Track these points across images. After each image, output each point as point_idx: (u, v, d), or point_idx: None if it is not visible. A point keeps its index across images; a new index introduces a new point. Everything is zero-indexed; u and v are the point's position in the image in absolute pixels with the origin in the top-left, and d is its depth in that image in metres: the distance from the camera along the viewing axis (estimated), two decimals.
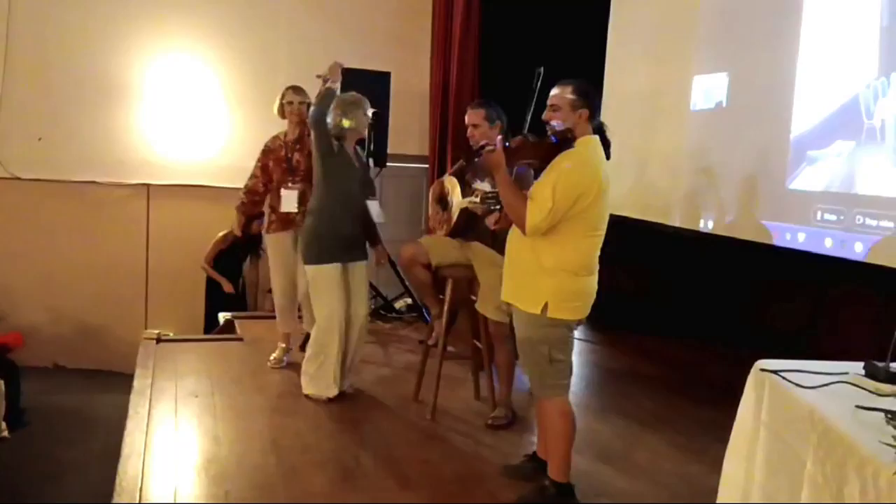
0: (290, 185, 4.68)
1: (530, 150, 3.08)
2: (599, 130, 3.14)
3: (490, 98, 4.19)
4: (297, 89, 4.76)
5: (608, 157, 3.12)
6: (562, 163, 3.01)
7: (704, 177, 4.99)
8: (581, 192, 2.95)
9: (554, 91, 3.10)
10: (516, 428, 4.03)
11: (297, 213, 4.64)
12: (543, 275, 3.03)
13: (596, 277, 3.13)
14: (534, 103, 3.17)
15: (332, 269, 4.16)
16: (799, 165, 4.22)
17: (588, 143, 3.07)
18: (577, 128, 3.05)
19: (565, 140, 3.04)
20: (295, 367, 4.79)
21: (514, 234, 3.16)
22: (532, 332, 3.09)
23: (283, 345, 4.93)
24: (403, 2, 7.23)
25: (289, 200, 4.65)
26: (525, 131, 3.17)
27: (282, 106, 4.73)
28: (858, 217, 3.84)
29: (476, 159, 3.12)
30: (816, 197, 4.10)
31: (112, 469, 3.44)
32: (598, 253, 3.12)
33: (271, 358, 4.86)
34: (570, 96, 3.04)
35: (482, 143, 3.18)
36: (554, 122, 3.06)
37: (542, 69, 3.19)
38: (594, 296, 3.13)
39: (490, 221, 3.54)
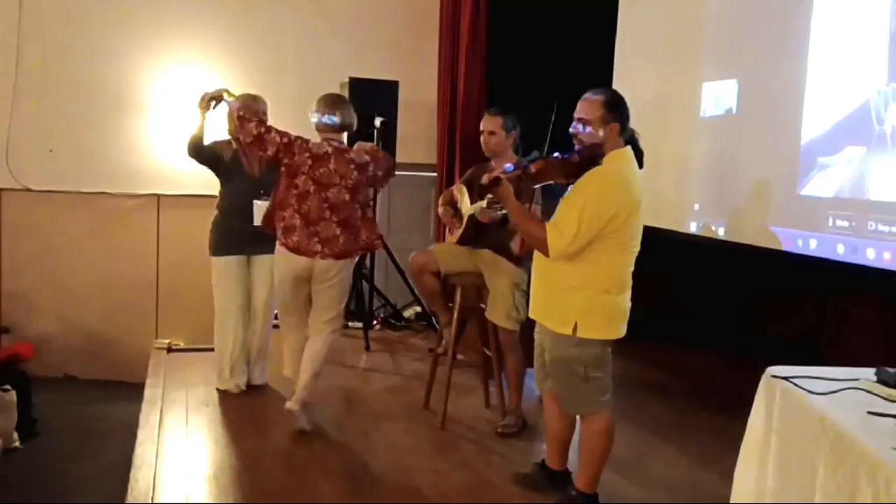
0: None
1: (554, 170, 2.98)
2: (631, 139, 3.02)
3: (499, 107, 4.18)
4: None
5: (640, 166, 3.02)
6: (590, 183, 2.91)
7: (715, 184, 4.98)
8: (613, 213, 2.85)
9: (582, 104, 2.97)
10: (526, 436, 4.02)
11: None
12: (572, 293, 2.94)
13: (629, 295, 3.02)
14: (549, 138, 3.09)
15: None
16: (810, 172, 4.21)
17: (620, 158, 2.95)
18: (607, 142, 2.93)
19: (592, 156, 2.92)
20: None
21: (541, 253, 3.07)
22: (564, 353, 3.01)
23: None
24: (411, 11, 7.24)
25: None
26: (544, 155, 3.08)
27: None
28: (871, 223, 3.82)
29: (490, 192, 3.09)
30: (828, 203, 4.08)
31: (123, 479, 3.45)
32: (632, 270, 3.01)
33: None
34: (601, 110, 2.92)
35: (488, 175, 3.11)
36: (582, 136, 2.95)
37: (556, 104, 3.09)
38: (628, 314, 3.02)
39: (515, 247, 3.53)
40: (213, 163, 4.39)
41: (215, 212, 4.51)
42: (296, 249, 3.89)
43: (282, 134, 3.86)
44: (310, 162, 3.85)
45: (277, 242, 3.96)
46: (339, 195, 3.90)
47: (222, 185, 4.46)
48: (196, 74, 6.71)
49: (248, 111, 3.96)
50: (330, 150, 3.89)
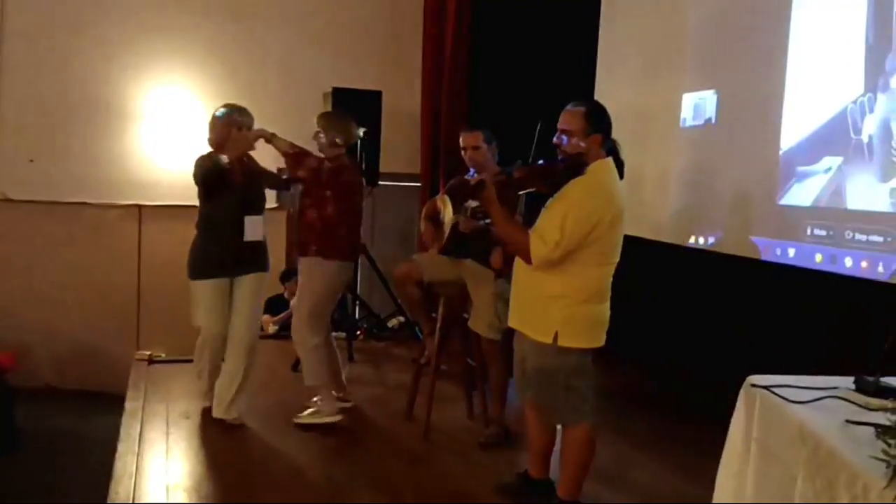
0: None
1: (538, 177, 3.00)
2: (612, 150, 3.05)
3: (482, 117, 4.21)
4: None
5: (622, 177, 3.05)
6: (573, 192, 2.93)
7: (695, 193, 5.01)
8: (596, 222, 2.87)
9: (565, 115, 2.99)
10: (509, 445, 4.02)
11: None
12: (553, 303, 2.95)
13: (608, 304, 3.04)
14: (531, 157, 3.10)
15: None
16: (788, 181, 4.25)
17: (602, 168, 2.97)
18: (589, 153, 2.95)
19: (576, 166, 2.94)
20: (287, 388, 4.78)
21: (521, 260, 3.08)
22: (544, 362, 3.02)
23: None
24: (394, 22, 7.27)
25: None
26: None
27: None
28: (848, 232, 3.86)
29: (475, 196, 3.12)
30: (806, 212, 4.12)
31: (104, 491, 3.42)
32: (611, 279, 3.03)
33: None
34: (583, 121, 2.94)
35: (472, 180, 3.15)
36: (565, 147, 2.97)
37: (540, 125, 3.10)
38: (607, 323, 3.05)
39: (495, 261, 3.56)
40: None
41: (194, 232, 4.21)
42: (353, 259, 4.47)
43: (320, 160, 4.16)
44: (355, 181, 4.32)
45: (334, 259, 4.17)
46: (361, 205, 4.41)
47: (206, 203, 4.14)
48: (179, 83, 6.71)
49: (297, 147, 4.14)
50: (353, 166, 4.35)
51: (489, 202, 3.01)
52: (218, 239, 4.11)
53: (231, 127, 4.06)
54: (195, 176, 4.09)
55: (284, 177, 4.42)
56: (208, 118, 4.18)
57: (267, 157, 4.38)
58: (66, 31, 6.56)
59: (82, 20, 6.58)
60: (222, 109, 4.15)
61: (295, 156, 4.10)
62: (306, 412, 4.25)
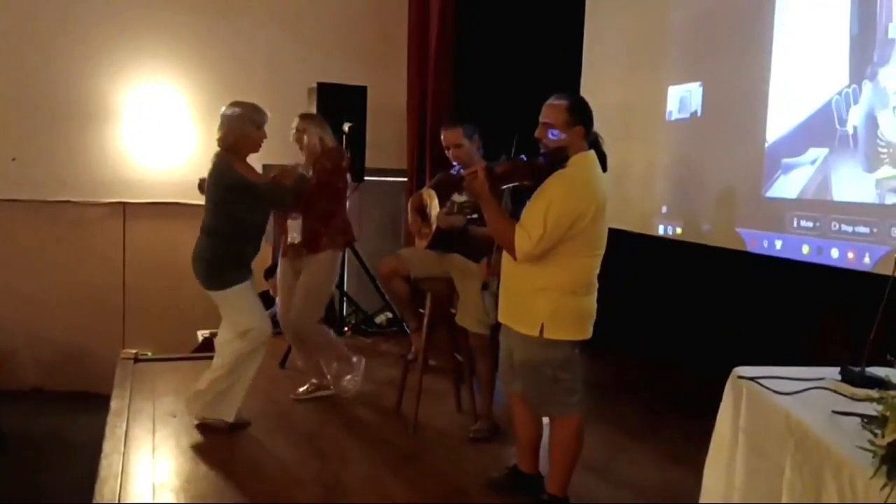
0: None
1: (520, 171, 2.99)
2: (594, 143, 3.04)
3: (466, 112, 4.18)
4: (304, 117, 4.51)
5: (605, 170, 3.05)
6: (554, 185, 2.92)
7: (681, 186, 5.02)
8: (577, 215, 2.86)
9: (547, 108, 2.99)
10: (498, 440, 4.01)
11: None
12: (539, 295, 2.94)
13: (595, 296, 3.04)
14: (512, 154, 3.10)
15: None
16: (774, 173, 4.25)
17: (584, 161, 2.97)
18: (571, 146, 2.95)
19: (558, 159, 2.94)
20: (276, 385, 4.76)
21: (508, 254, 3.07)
22: (532, 355, 3.01)
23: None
24: (380, 18, 7.25)
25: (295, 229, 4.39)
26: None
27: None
28: (834, 223, 3.87)
29: (462, 186, 3.10)
30: (792, 204, 4.13)
31: (90, 492, 3.39)
32: (598, 271, 3.03)
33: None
34: (565, 114, 2.94)
35: (465, 172, 3.13)
36: (547, 141, 2.96)
37: (516, 135, 3.11)
38: (594, 315, 3.04)
39: (482, 272, 3.55)
40: None
41: (212, 239, 3.94)
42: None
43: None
44: None
45: (342, 249, 4.53)
46: None
47: (250, 209, 3.92)
48: (164, 81, 6.66)
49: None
50: None
51: (480, 192, 2.98)
52: (252, 244, 3.99)
53: (251, 126, 3.89)
54: (233, 180, 3.85)
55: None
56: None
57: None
58: (49, 29, 6.51)
59: (66, 18, 6.52)
60: (237, 108, 3.91)
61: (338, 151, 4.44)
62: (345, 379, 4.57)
